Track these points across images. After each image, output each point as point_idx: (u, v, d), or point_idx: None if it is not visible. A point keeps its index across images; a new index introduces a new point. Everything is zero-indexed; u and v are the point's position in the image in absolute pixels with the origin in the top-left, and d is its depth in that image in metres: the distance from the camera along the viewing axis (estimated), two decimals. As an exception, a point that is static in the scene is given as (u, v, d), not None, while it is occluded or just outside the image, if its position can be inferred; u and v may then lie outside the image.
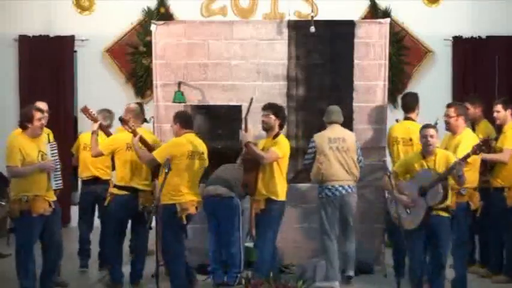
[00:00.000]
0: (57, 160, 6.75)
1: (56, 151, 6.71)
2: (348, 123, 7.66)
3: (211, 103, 7.98)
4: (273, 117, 6.88)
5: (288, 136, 7.94)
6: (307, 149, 7.43)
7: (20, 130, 6.48)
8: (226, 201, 7.33)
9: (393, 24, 9.88)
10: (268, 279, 6.52)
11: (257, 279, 6.63)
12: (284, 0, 10.16)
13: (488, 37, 10.69)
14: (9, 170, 6.31)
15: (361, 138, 7.79)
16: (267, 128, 6.94)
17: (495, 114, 7.40)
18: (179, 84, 7.88)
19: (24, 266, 6.50)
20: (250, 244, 7.52)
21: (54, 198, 6.65)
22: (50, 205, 6.52)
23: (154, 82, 8.06)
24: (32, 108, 6.51)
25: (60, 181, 6.83)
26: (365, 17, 10.48)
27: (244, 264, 7.38)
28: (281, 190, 6.86)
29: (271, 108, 6.96)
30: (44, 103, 7.36)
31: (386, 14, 10.38)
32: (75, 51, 10.62)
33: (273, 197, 6.78)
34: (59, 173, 6.81)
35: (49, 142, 6.62)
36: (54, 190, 6.71)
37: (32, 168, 6.35)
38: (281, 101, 7.95)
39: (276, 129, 6.91)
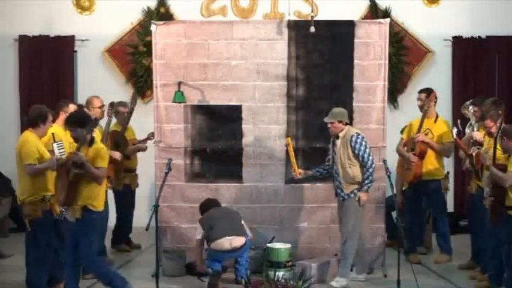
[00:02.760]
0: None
1: (63, 150, 6.78)
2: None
3: (211, 103, 7.97)
4: (78, 129, 6.47)
5: (287, 136, 7.96)
6: (366, 147, 7.31)
7: (29, 131, 6.59)
8: (243, 248, 7.31)
9: (393, 24, 9.89)
10: (268, 280, 6.54)
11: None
12: (284, 0, 10.12)
13: (488, 37, 10.67)
14: (28, 168, 6.43)
15: (361, 138, 7.78)
16: (76, 140, 6.57)
17: None
18: (179, 84, 7.87)
19: (45, 264, 6.63)
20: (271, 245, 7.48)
21: None
22: None
23: (154, 82, 8.05)
24: (47, 110, 6.68)
25: None
26: (365, 17, 10.46)
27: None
28: (100, 199, 6.53)
29: (75, 123, 6.51)
30: (75, 106, 7.49)
31: (386, 14, 10.36)
32: (75, 51, 10.60)
33: (90, 207, 6.43)
34: None
35: (55, 141, 6.65)
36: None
37: (44, 165, 6.50)
38: (281, 101, 7.97)
39: (88, 137, 6.53)
